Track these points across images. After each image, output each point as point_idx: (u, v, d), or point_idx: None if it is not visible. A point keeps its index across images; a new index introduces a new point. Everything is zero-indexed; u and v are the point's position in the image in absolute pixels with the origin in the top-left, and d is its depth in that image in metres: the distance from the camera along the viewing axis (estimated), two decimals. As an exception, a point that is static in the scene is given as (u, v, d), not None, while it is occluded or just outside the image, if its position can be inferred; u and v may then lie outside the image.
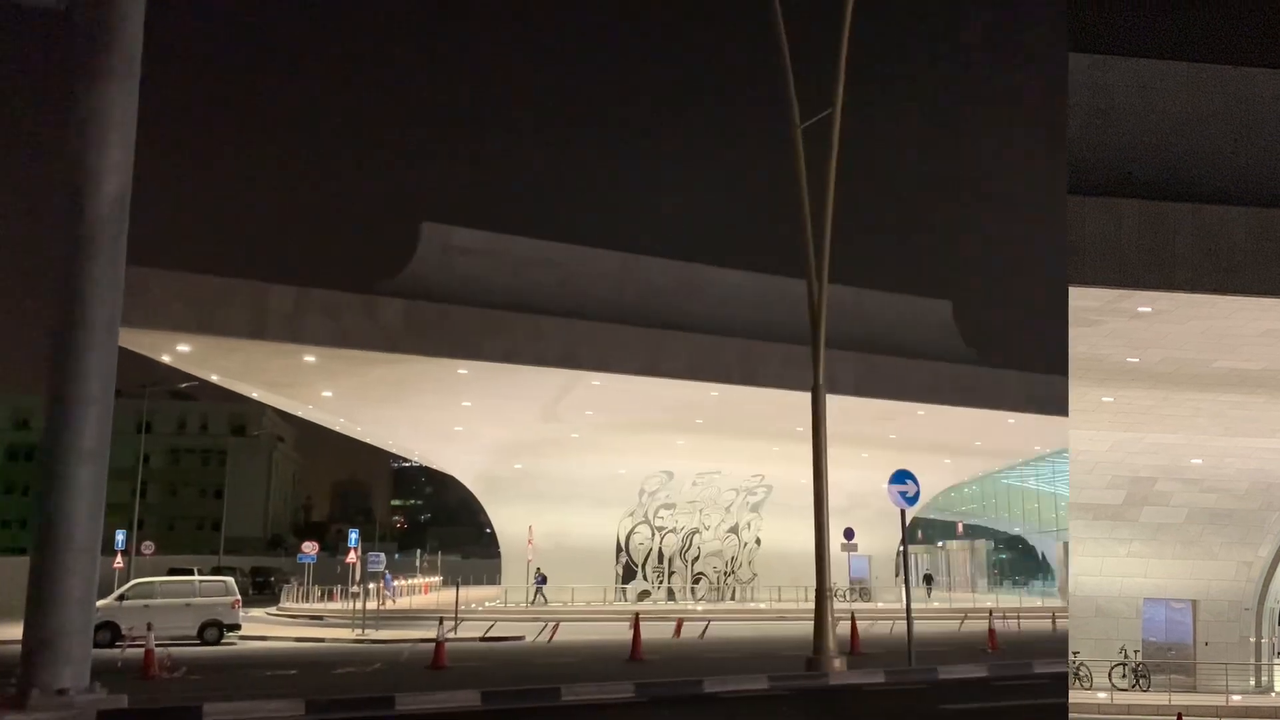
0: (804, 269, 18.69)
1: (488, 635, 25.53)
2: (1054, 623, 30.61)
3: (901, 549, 22.34)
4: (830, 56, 18.71)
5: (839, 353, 29.19)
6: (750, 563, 44.84)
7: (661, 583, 42.91)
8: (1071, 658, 20.31)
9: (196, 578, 27.63)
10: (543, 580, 38.99)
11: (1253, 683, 23.32)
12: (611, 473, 40.24)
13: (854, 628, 20.40)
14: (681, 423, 34.99)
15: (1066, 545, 46.12)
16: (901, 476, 18.20)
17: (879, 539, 44.85)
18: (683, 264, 35.94)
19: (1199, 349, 16.34)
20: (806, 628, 18.03)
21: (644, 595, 41.93)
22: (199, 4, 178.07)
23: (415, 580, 51.84)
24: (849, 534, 31.95)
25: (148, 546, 43.23)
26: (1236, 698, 21.71)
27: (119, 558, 37.34)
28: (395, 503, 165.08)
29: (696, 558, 43.95)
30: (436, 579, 56.03)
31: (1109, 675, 22.12)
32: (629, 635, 19.01)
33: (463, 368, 26.59)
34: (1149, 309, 14.90)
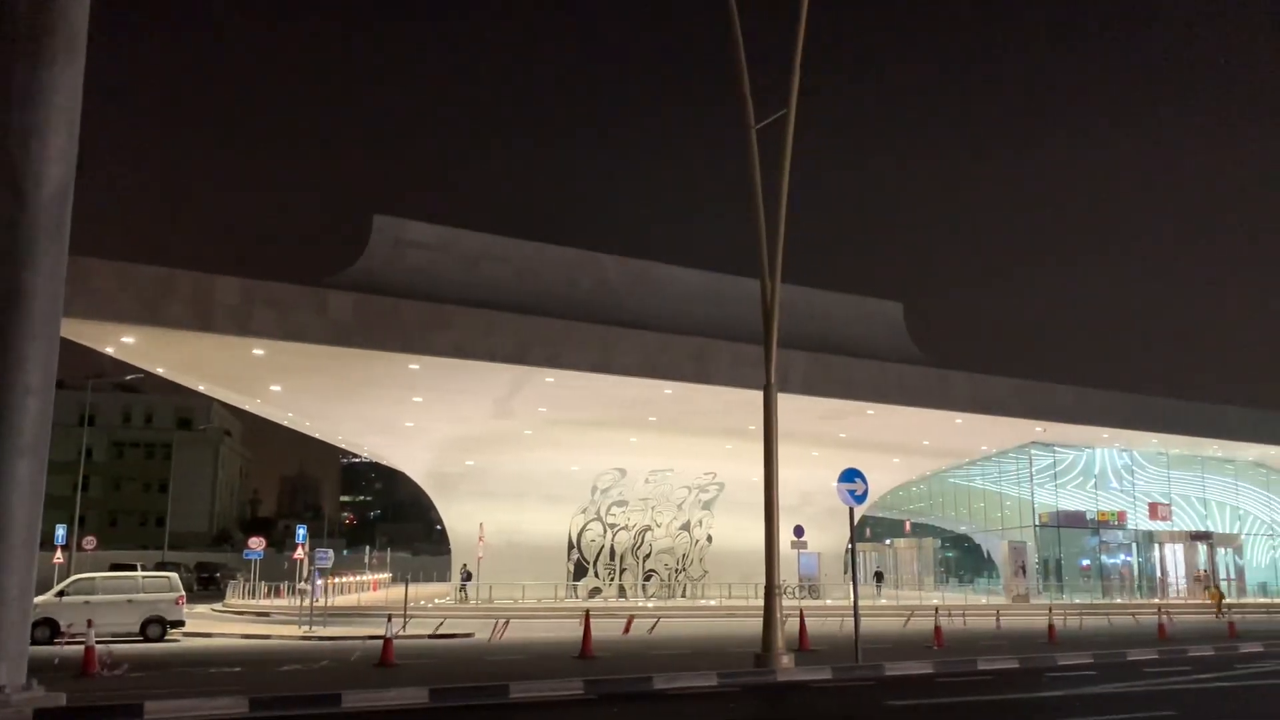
0: (758, 268, 18.79)
1: (437, 632, 25.39)
2: (998, 620, 31.11)
3: (850, 546, 22.55)
4: (787, 57, 18.84)
5: (791, 352, 29.47)
6: (701, 560, 45.04)
7: (613, 580, 42.94)
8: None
9: (139, 573, 27.13)
10: (467, 577, 38.97)
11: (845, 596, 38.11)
12: (564, 469, 40.19)
13: (803, 625, 20.57)
14: (634, 420, 35.04)
15: (1011, 544, 47.01)
16: (850, 475, 18.37)
17: (828, 537, 45.32)
18: (637, 261, 35.99)
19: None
20: (756, 624, 18.17)
21: (595, 592, 41.93)
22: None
23: (364, 577, 51.34)
24: (799, 531, 32.23)
25: (89, 542, 42.33)
26: (829, 601, 40.35)
27: (59, 553, 36.55)
28: (344, 499, 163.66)
29: (648, 555, 44.04)
30: (386, 575, 55.57)
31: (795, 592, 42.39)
32: (580, 632, 19.00)
33: (414, 362, 26.38)
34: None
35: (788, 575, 40.35)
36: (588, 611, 20.30)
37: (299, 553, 32.36)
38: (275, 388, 29.75)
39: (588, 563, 42.62)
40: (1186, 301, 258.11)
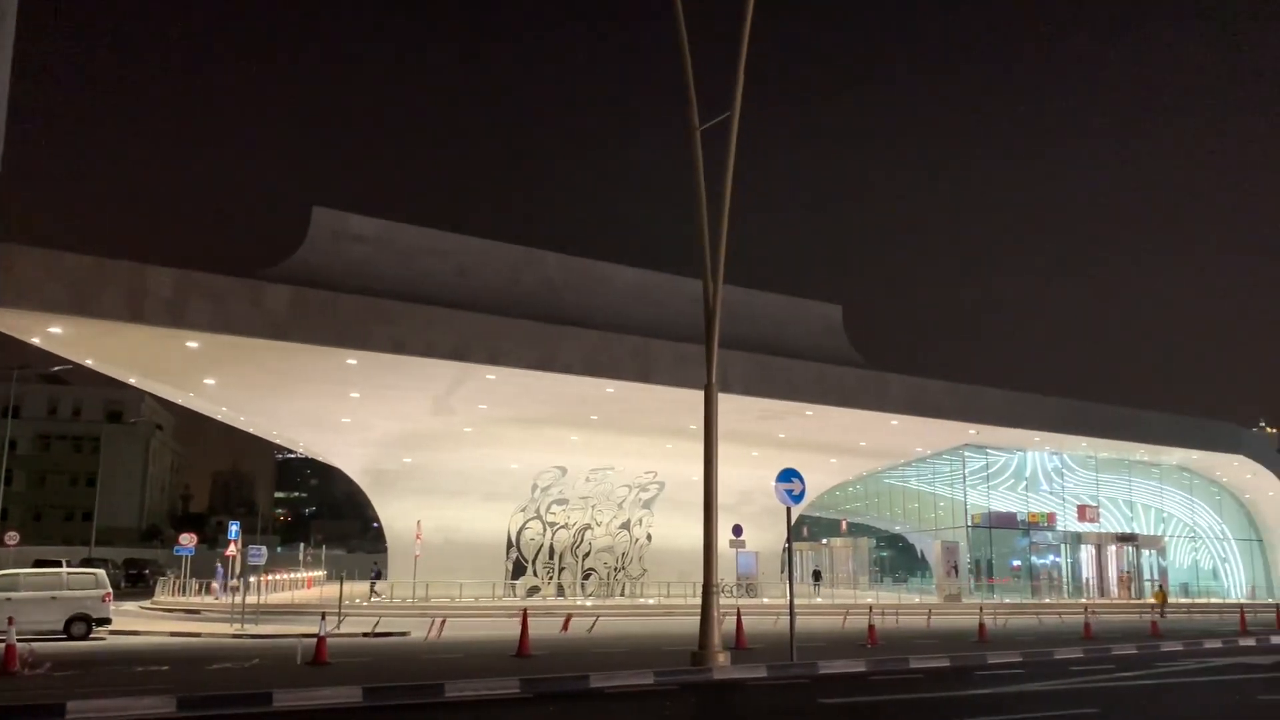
0: (700, 268, 18.89)
1: (373, 631, 25.12)
2: (930, 619, 31.62)
3: (787, 546, 22.76)
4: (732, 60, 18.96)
5: (732, 352, 29.67)
6: (641, 558, 45.12)
7: (552, 578, 42.83)
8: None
9: (64, 570, 26.42)
10: (377, 575, 38.80)
11: (782, 595, 37.20)
12: (504, 467, 39.98)
13: (739, 623, 20.72)
14: (575, 418, 35.00)
15: (943, 544, 47.81)
16: (788, 475, 18.53)
17: (767, 536, 45.68)
18: (579, 259, 35.94)
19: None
20: (694, 623, 18.25)
21: (534, 591, 41.79)
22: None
23: (299, 575, 50.61)
24: (737, 530, 32.42)
25: (12, 537, 41.03)
26: (767, 600, 41.52)
27: (-21, 549, 35.49)
28: (279, 495, 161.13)
29: (588, 553, 44.01)
30: (321, 573, 54.85)
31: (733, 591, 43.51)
32: (517, 631, 18.94)
33: (351, 357, 26.06)
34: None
35: (726, 574, 40.63)
36: (525, 610, 20.23)
37: (231, 549, 31.79)
38: (209, 381, 29.19)
39: (527, 561, 42.46)
40: (1122, 307, 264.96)
